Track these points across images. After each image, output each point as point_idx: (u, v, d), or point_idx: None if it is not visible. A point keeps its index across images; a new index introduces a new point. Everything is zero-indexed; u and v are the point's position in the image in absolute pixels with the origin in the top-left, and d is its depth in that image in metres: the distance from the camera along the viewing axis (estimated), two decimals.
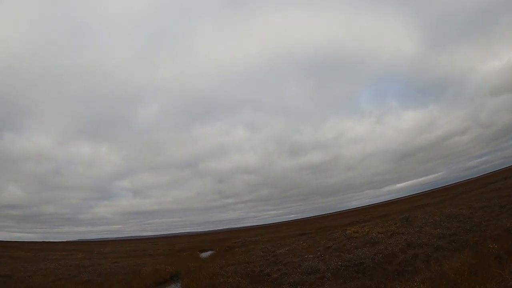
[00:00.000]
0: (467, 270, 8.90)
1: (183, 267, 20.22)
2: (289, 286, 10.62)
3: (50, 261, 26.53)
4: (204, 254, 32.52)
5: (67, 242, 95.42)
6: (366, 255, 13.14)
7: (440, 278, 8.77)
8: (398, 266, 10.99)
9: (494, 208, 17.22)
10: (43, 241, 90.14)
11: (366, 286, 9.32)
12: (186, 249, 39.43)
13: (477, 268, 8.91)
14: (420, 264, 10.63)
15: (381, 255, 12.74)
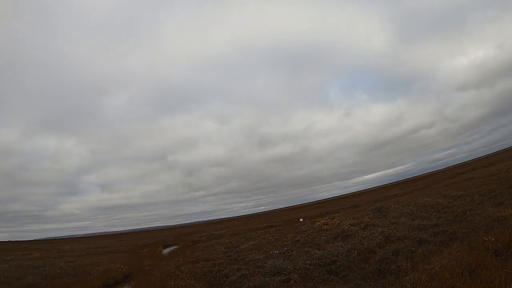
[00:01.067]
0: (463, 269, 7.13)
1: (138, 266, 18.16)
2: None
3: (3, 262, 23.08)
4: (167, 250, 30.36)
5: (33, 241, 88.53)
6: (339, 251, 11.23)
7: (433, 281, 6.92)
8: (377, 265, 9.11)
9: (474, 197, 16.02)
10: (9, 241, 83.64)
11: None
12: (150, 245, 37.12)
13: (475, 266, 7.17)
14: (403, 261, 8.80)
15: (356, 251, 10.86)
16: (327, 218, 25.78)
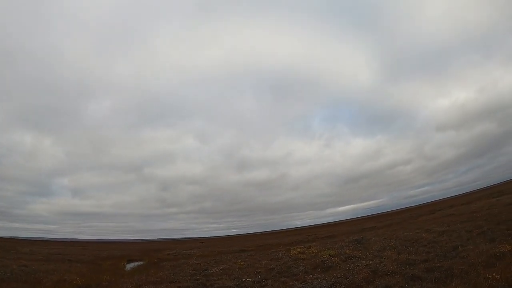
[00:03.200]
0: None
1: (96, 280, 16.15)
2: None
3: None
4: (131, 265, 27.70)
5: None
6: (322, 284, 9.82)
7: None
8: None
9: (461, 233, 15.23)
10: None
11: None
12: (113, 257, 34.33)
13: None
14: None
15: (341, 285, 9.48)
16: (303, 246, 24.29)
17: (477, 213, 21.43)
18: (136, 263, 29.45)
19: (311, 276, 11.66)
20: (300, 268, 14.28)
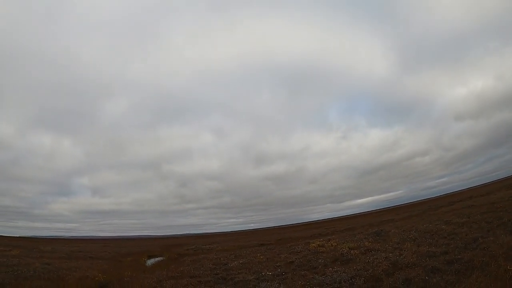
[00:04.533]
0: None
1: (117, 276, 16.51)
2: None
3: None
4: (151, 261, 28.44)
5: (17, 237, 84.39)
6: (342, 277, 10.05)
7: None
8: None
9: (481, 224, 15.11)
10: None
11: None
12: (134, 254, 35.16)
13: None
14: None
15: (361, 278, 9.69)
16: (322, 240, 24.51)
17: (497, 204, 21.07)
18: (157, 259, 30.33)
19: (330, 269, 11.90)
20: (320, 261, 14.53)
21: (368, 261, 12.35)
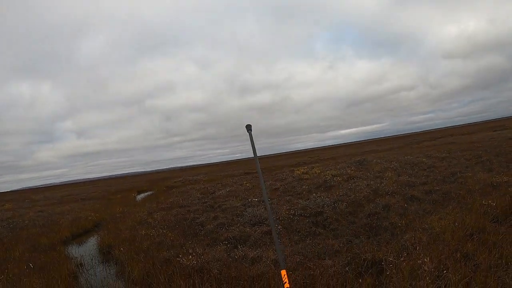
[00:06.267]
0: (466, 233, 6.50)
1: (110, 213, 17.06)
2: (227, 243, 7.49)
3: None
4: (141, 196, 29.36)
5: (7, 192, 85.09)
6: (325, 202, 10.50)
7: (435, 242, 6.21)
8: (368, 219, 8.41)
9: (460, 160, 15.71)
10: None
11: (334, 249, 6.48)
12: (124, 191, 36.14)
13: (477, 231, 6.55)
14: (397, 218, 8.11)
15: (344, 203, 10.16)
16: (306, 167, 25.44)
17: (477, 143, 21.77)
18: (146, 194, 31.06)
19: (314, 194, 12.41)
20: (304, 187, 15.16)
21: (350, 187, 12.92)
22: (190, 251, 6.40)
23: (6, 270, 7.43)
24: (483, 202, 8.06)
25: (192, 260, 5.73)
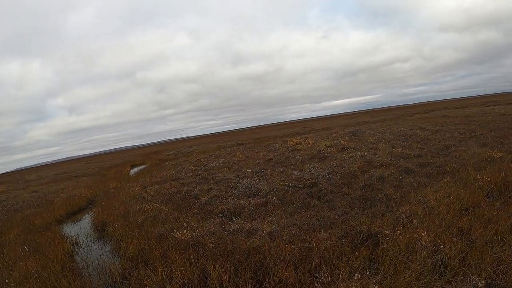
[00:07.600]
0: (461, 207, 6.51)
1: (103, 189, 16.77)
2: (221, 216, 7.40)
3: None
4: (134, 170, 29.04)
5: (3, 174, 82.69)
6: (319, 173, 10.46)
7: (430, 216, 6.22)
8: (362, 191, 8.40)
9: (454, 134, 15.68)
10: None
11: (330, 220, 6.44)
12: (117, 166, 35.72)
13: (471, 205, 6.57)
14: (391, 190, 8.11)
15: (338, 174, 10.11)
16: (299, 138, 25.33)
17: (471, 118, 21.76)
18: (139, 168, 30.76)
19: (308, 165, 12.36)
20: (297, 158, 15.07)
21: (344, 158, 12.88)
22: (185, 225, 6.30)
23: (2, 255, 7.31)
24: (478, 176, 8.06)
25: (187, 235, 5.63)
